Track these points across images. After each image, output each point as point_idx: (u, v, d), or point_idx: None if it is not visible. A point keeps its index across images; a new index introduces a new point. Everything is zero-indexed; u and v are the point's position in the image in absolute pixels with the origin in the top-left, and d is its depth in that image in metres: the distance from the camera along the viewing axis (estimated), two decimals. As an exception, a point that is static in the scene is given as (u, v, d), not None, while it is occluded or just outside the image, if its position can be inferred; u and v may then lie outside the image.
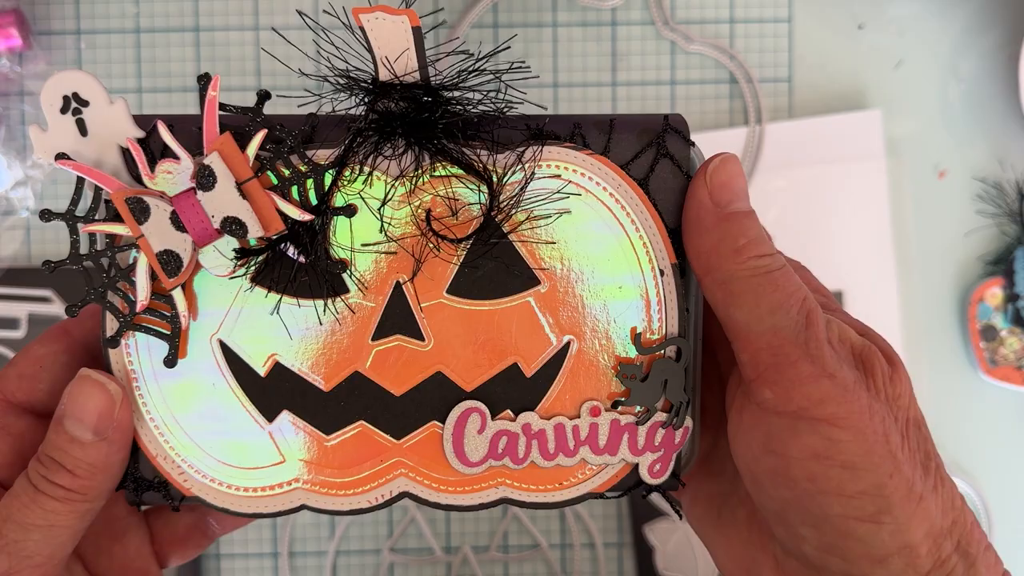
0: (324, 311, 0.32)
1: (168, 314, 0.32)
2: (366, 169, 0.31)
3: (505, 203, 0.31)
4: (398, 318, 0.32)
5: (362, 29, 0.29)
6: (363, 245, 0.32)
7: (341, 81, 0.30)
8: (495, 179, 0.31)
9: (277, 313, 0.32)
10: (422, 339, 0.33)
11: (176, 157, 0.30)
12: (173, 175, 0.30)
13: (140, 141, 0.31)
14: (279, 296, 0.32)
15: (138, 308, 0.31)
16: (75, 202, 0.31)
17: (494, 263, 0.32)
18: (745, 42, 0.63)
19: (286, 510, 0.33)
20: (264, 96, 0.30)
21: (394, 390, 0.33)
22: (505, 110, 0.30)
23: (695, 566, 0.63)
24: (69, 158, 0.30)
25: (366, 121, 0.30)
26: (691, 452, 0.34)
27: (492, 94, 0.30)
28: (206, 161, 0.29)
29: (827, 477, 0.29)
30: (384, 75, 0.29)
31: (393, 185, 0.31)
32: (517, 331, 0.33)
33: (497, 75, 0.30)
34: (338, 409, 0.33)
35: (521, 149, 0.31)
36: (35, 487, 0.31)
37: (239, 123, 0.30)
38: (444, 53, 0.30)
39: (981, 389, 0.64)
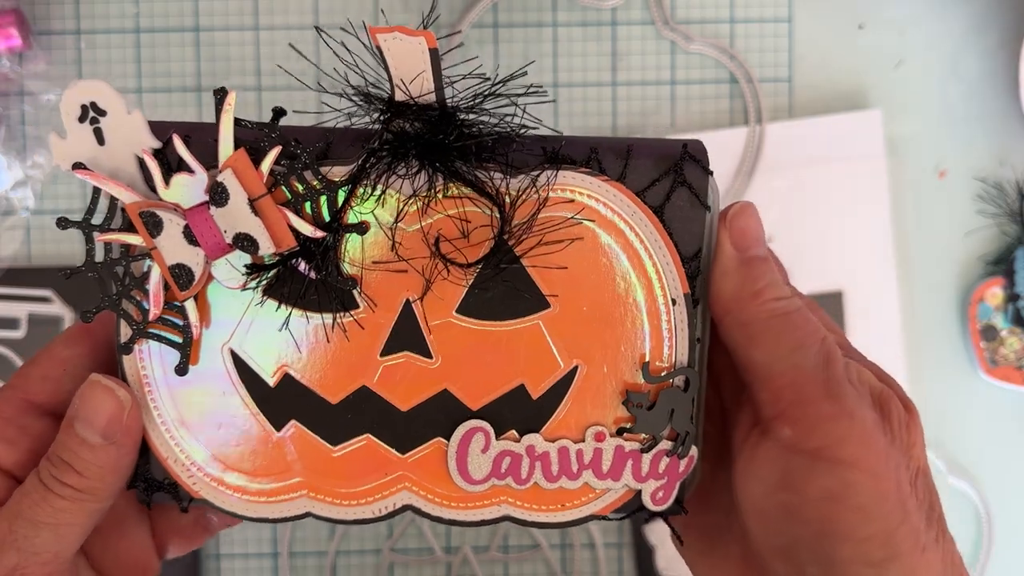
0: (333, 327, 0.32)
1: (180, 323, 0.32)
2: (379, 188, 0.31)
3: (517, 227, 0.31)
4: (407, 335, 0.33)
5: (379, 48, 0.29)
6: (374, 263, 0.32)
7: (357, 99, 0.30)
8: (508, 202, 0.31)
9: (287, 328, 0.32)
10: (430, 357, 0.33)
11: (191, 170, 0.31)
12: (188, 188, 0.31)
13: (156, 152, 0.31)
14: (289, 310, 0.32)
15: (150, 317, 0.32)
16: (91, 211, 0.32)
17: (504, 285, 0.32)
18: (745, 42, 0.63)
19: (291, 516, 0.34)
20: (280, 113, 0.30)
21: (401, 405, 0.33)
22: (520, 132, 0.31)
23: (695, 566, 0.63)
24: (86, 167, 0.31)
25: (380, 140, 0.30)
26: (692, 480, 0.34)
27: (507, 118, 0.30)
28: (219, 178, 0.30)
29: (840, 519, 0.30)
30: (400, 95, 0.30)
31: (406, 204, 0.31)
32: (525, 353, 0.33)
33: (513, 100, 0.30)
34: (345, 422, 0.33)
35: (536, 173, 0.31)
36: (45, 486, 0.32)
37: (254, 138, 0.30)
38: (461, 75, 0.30)
39: (981, 389, 0.64)
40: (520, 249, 0.32)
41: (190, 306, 0.32)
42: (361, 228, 0.31)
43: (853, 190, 0.63)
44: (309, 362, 0.33)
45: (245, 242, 0.30)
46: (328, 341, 0.32)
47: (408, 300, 0.32)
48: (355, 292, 0.32)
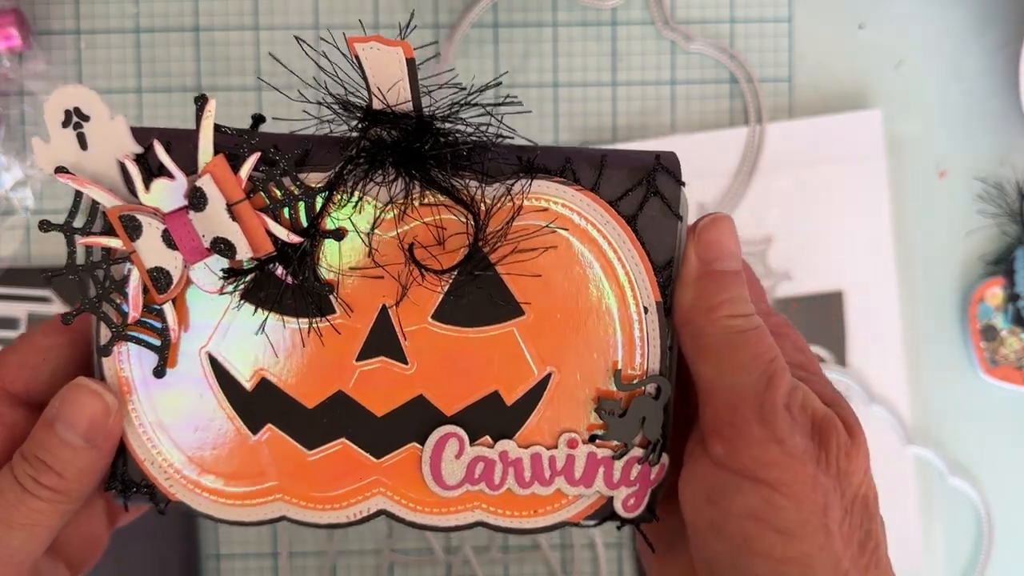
0: (309, 331, 0.33)
1: (159, 326, 0.33)
2: (356, 195, 0.31)
3: (491, 235, 0.32)
4: (383, 341, 0.33)
5: (357, 58, 0.29)
6: (351, 269, 0.32)
7: (336, 107, 0.31)
8: (483, 210, 0.31)
9: (263, 332, 0.33)
10: (405, 362, 0.33)
11: (171, 176, 0.31)
12: (167, 193, 0.31)
13: (138, 157, 0.31)
14: (266, 314, 0.32)
15: (129, 320, 0.32)
16: (72, 214, 0.32)
17: (479, 292, 0.33)
18: (745, 42, 0.63)
19: (266, 520, 0.34)
20: (259, 119, 0.31)
21: (376, 411, 0.33)
22: (496, 141, 0.31)
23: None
24: (68, 171, 0.31)
25: (357, 148, 0.31)
26: (663, 487, 0.34)
27: (483, 127, 0.31)
28: (198, 183, 0.30)
29: (760, 538, 0.30)
30: (377, 104, 0.30)
31: (382, 211, 0.32)
32: (499, 360, 0.33)
33: (487, 110, 0.31)
34: (320, 426, 0.34)
35: (511, 182, 0.32)
36: (22, 486, 0.32)
37: (234, 144, 0.31)
38: (436, 85, 0.31)
39: (981, 389, 0.64)
40: (494, 257, 0.32)
41: (168, 309, 0.32)
42: (338, 234, 0.32)
43: (853, 190, 0.63)
44: (286, 366, 0.33)
45: (223, 246, 0.31)
46: (304, 346, 0.33)
47: (384, 306, 0.33)
48: (332, 297, 0.32)
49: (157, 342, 0.33)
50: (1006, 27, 0.64)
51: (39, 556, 0.33)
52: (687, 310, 0.33)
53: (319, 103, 0.31)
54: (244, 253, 0.31)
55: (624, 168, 0.33)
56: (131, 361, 0.33)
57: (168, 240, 0.31)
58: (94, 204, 0.32)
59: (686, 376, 0.34)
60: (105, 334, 0.33)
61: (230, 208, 0.31)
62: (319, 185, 0.31)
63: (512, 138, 0.31)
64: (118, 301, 0.32)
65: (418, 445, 0.33)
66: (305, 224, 0.31)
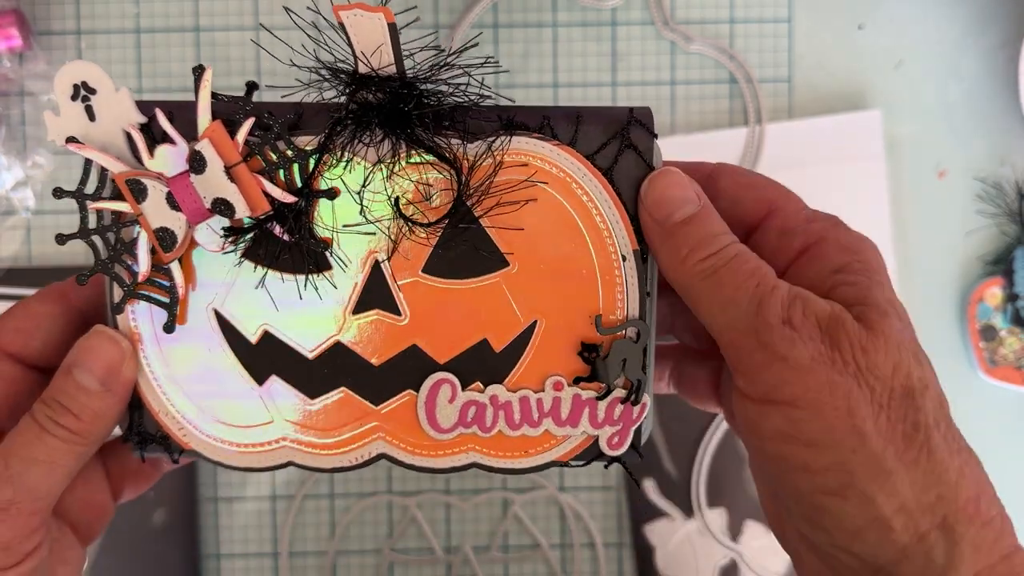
0: (306, 286, 0.35)
1: (167, 284, 0.35)
2: (347, 155, 0.34)
3: (475, 190, 0.34)
4: (377, 294, 0.35)
5: (342, 25, 0.32)
6: (344, 226, 0.35)
7: (324, 73, 0.33)
8: (465, 166, 0.34)
9: (263, 286, 0.35)
10: (399, 314, 0.36)
11: (173, 142, 0.34)
12: (170, 158, 0.34)
13: (142, 127, 0.34)
14: (265, 270, 0.35)
15: (140, 279, 0.35)
16: (84, 181, 0.35)
17: (466, 245, 0.35)
18: (745, 42, 0.64)
19: (274, 465, 0.36)
20: (252, 86, 0.34)
21: (373, 360, 0.36)
22: (478, 102, 0.33)
23: (695, 566, 0.63)
24: (78, 141, 0.34)
25: (346, 111, 0.33)
26: (647, 426, 0.37)
27: (463, 87, 0.33)
28: (197, 147, 0.33)
29: (793, 455, 0.31)
30: (363, 68, 0.33)
31: (371, 171, 0.34)
32: (488, 309, 0.35)
33: (466, 70, 0.33)
34: (322, 376, 0.36)
35: (492, 139, 0.34)
36: (41, 426, 0.34)
37: (231, 111, 0.34)
38: (418, 48, 0.33)
39: (981, 389, 0.64)
40: (479, 210, 0.35)
41: (175, 267, 0.35)
42: (331, 193, 0.34)
43: (853, 190, 0.63)
44: (287, 320, 0.36)
45: (222, 207, 0.33)
46: (303, 300, 0.35)
47: (377, 260, 0.35)
48: (327, 254, 0.35)
49: (166, 299, 0.35)
50: (1006, 27, 0.64)
51: (56, 495, 0.35)
52: (665, 271, 0.35)
53: (309, 69, 0.33)
54: (242, 212, 0.33)
55: (599, 123, 0.35)
56: (141, 319, 0.36)
57: (172, 202, 0.34)
58: (103, 172, 0.35)
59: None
60: (118, 294, 0.35)
61: (228, 170, 0.33)
62: (311, 148, 0.34)
63: (492, 97, 0.34)
64: (128, 262, 0.35)
65: (413, 392, 0.36)
66: (299, 185, 0.34)
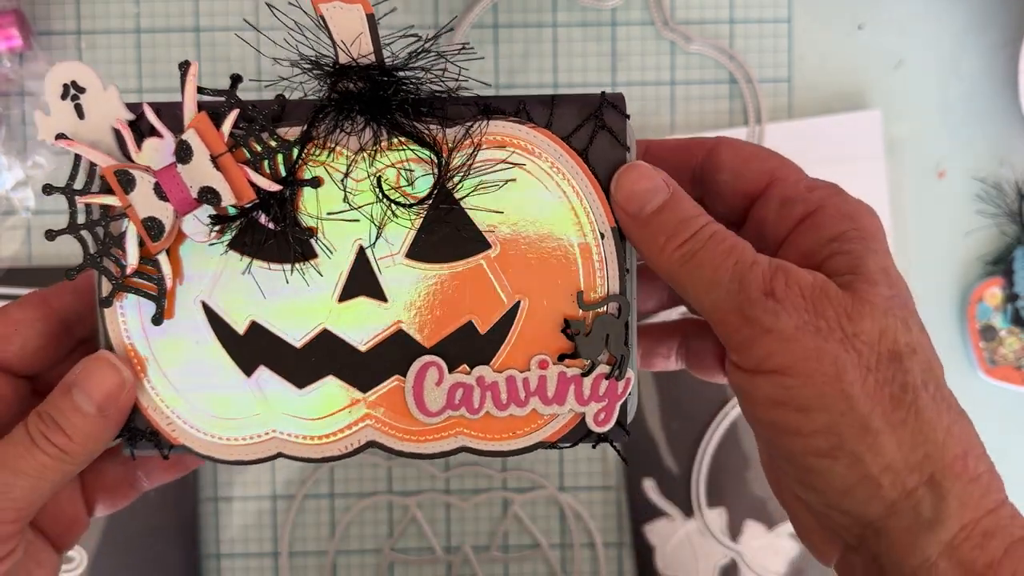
0: (292, 273, 0.36)
1: (155, 277, 0.36)
2: (329, 144, 0.35)
3: (455, 172, 0.35)
4: (362, 280, 0.36)
5: (322, 18, 0.32)
6: (329, 214, 0.35)
7: (306, 65, 0.34)
8: (445, 150, 0.35)
9: (250, 274, 0.36)
10: (384, 299, 0.36)
11: (161, 136, 0.35)
12: (157, 151, 0.35)
13: (131, 123, 0.35)
14: (251, 260, 0.36)
15: (128, 271, 0.35)
16: (73, 177, 0.35)
17: (448, 228, 0.36)
18: (745, 42, 0.64)
19: (263, 458, 0.37)
20: (237, 79, 0.34)
21: (360, 346, 0.36)
22: (455, 89, 0.34)
23: (695, 566, 0.63)
24: (68, 138, 0.35)
25: (329, 100, 0.34)
26: (632, 403, 0.37)
27: (441, 72, 0.34)
28: (184, 137, 0.34)
29: (786, 421, 0.32)
30: (343, 58, 0.34)
31: (354, 159, 0.35)
32: (471, 292, 0.36)
33: (443, 56, 0.34)
34: (309, 364, 0.36)
35: (470, 123, 0.35)
36: (32, 439, 0.35)
37: (216, 104, 0.34)
38: (397, 35, 0.34)
39: (980, 389, 0.64)
40: (459, 193, 0.35)
41: (163, 259, 0.36)
42: (315, 182, 0.35)
43: (852, 190, 0.63)
44: (274, 310, 0.36)
45: (209, 195, 0.34)
46: (289, 288, 0.36)
47: (362, 247, 0.36)
48: (313, 241, 0.36)
49: (154, 292, 0.36)
50: (1006, 27, 0.64)
51: (37, 507, 0.36)
52: (646, 261, 0.36)
53: (291, 64, 0.34)
54: (228, 200, 0.34)
55: (574, 106, 0.36)
56: (129, 313, 0.36)
57: (159, 192, 0.34)
58: (92, 168, 0.35)
59: None
60: (106, 288, 0.36)
61: (214, 160, 0.34)
62: (295, 138, 0.35)
63: (467, 81, 0.34)
64: (117, 256, 0.36)
65: (401, 377, 0.36)
66: (284, 174, 0.35)
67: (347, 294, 0.36)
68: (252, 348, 0.36)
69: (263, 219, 0.35)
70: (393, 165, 0.35)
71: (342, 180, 0.35)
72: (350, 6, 0.32)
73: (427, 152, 0.35)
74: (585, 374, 0.36)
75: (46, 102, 0.34)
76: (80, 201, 0.35)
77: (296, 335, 0.36)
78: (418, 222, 0.36)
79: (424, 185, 0.35)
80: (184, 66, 0.34)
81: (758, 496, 0.64)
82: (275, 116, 0.35)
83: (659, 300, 0.42)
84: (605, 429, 0.36)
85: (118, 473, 0.40)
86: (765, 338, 0.32)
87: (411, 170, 0.35)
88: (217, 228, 0.35)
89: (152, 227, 0.34)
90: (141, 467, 0.41)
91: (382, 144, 0.35)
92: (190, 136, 0.34)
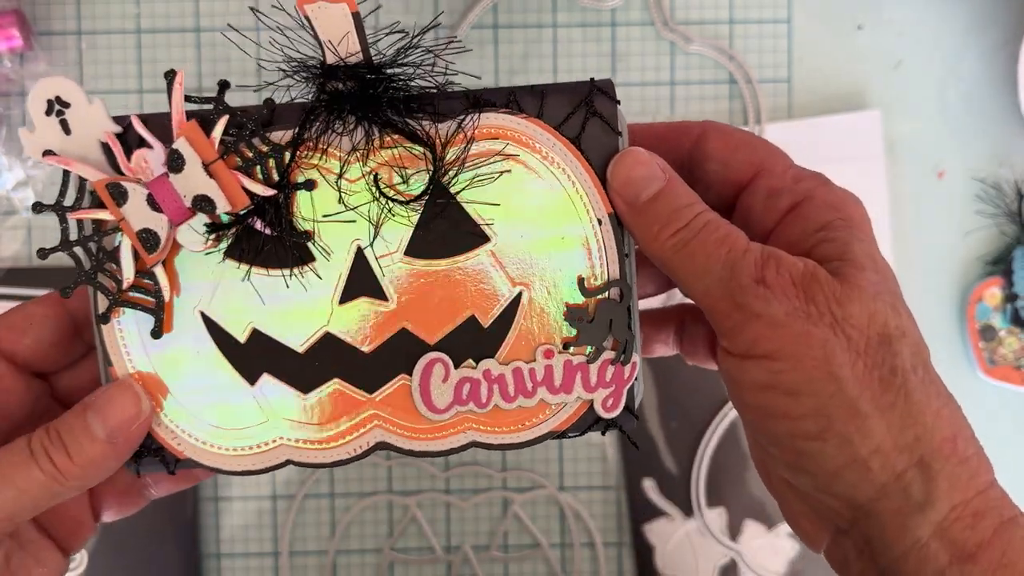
0: (291, 278, 0.35)
1: (152, 290, 0.35)
2: (321, 145, 0.34)
3: (450, 166, 0.35)
4: (362, 281, 0.36)
5: (307, 19, 0.32)
6: (324, 216, 0.35)
7: (293, 67, 0.34)
8: (438, 144, 0.35)
9: (248, 280, 0.35)
10: (385, 299, 0.36)
11: (150, 146, 0.34)
12: (148, 162, 0.34)
13: (118, 136, 0.34)
14: (249, 267, 0.35)
15: (124, 285, 0.35)
16: (63, 193, 0.35)
17: (446, 224, 0.35)
18: (744, 43, 0.64)
19: (272, 466, 0.36)
20: (225, 85, 0.34)
21: (364, 348, 0.36)
22: (444, 84, 0.34)
23: (695, 566, 0.63)
24: (55, 155, 0.34)
25: (319, 100, 0.34)
26: (639, 387, 0.37)
27: (429, 68, 0.34)
28: (175, 146, 0.34)
29: (774, 405, 0.33)
30: (331, 58, 0.33)
31: (347, 159, 0.35)
32: (472, 286, 0.36)
33: (431, 51, 0.34)
34: (313, 369, 0.36)
35: (461, 117, 0.35)
36: (31, 452, 0.34)
37: (204, 113, 0.34)
38: (384, 33, 0.34)
39: (980, 389, 0.64)
40: (455, 187, 0.35)
41: (159, 272, 0.35)
42: (309, 185, 0.35)
43: (853, 190, 0.63)
44: (274, 316, 0.36)
45: (203, 203, 0.34)
46: (289, 293, 0.36)
47: (360, 248, 0.35)
48: (310, 245, 0.35)
49: (152, 305, 0.35)
50: (1005, 27, 0.64)
51: (22, 520, 0.35)
52: (641, 247, 0.36)
53: (279, 68, 0.34)
54: (223, 207, 0.34)
55: (564, 94, 0.36)
56: (127, 327, 0.36)
57: (153, 204, 0.34)
58: (82, 182, 0.35)
59: None
60: (103, 304, 0.35)
61: (206, 167, 0.34)
62: (286, 141, 0.34)
63: (456, 75, 0.34)
64: (111, 271, 0.35)
65: (407, 376, 0.36)
66: (277, 179, 0.34)
67: (348, 295, 0.36)
68: (254, 356, 0.36)
69: (259, 225, 0.34)
70: (387, 163, 0.35)
71: (336, 181, 0.35)
72: (335, 5, 0.31)
73: (420, 148, 0.35)
74: (591, 360, 0.36)
75: (30, 118, 0.34)
76: (72, 217, 0.35)
77: (298, 340, 0.36)
78: (415, 219, 0.35)
79: (419, 182, 0.35)
80: (170, 75, 0.34)
81: (758, 496, 0.64)
82: (265, 121, 0.34)
83: (658, 284, 0.42)
84: (614, 414, 0.36)
85: (126, 480, 0.40)
86: (755, 323, 0.32)
87: (404, 167, 0.35)
88: (213, 236, 0.34)
89: (147, 239, 0.34)
90: (150, 475, 0.40)
91: (374, 143, 0.34)
92: (181, 145, 0.33)
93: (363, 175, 0.35)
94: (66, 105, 0.34)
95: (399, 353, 0.36)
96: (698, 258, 0.34)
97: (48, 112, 0.34)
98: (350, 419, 0.36)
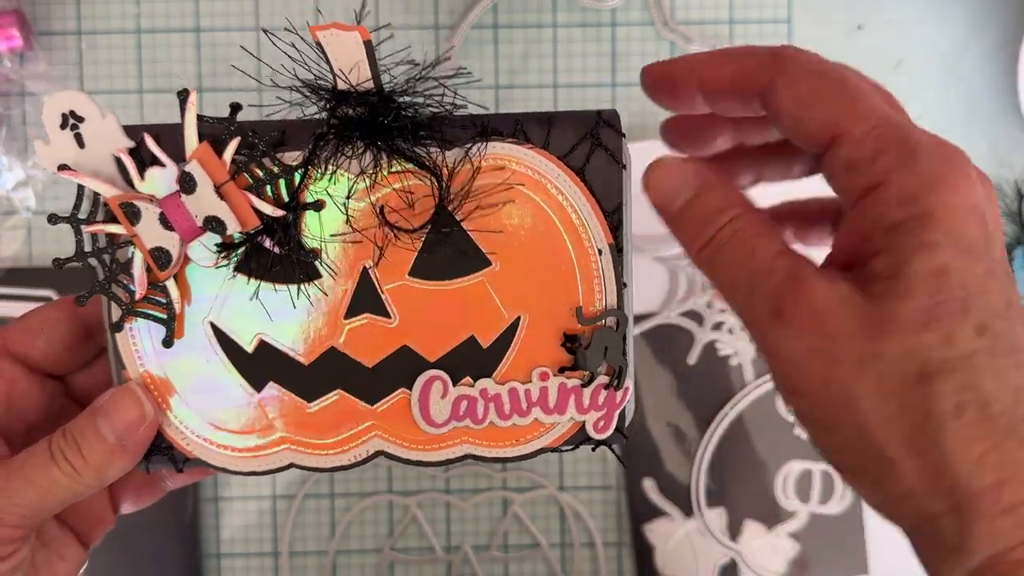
0: (298, 295, 0.37)
1: (164, 301, 0.37)
2: (330, 168, 0.36)
3: (455, 195, 0.36)
4: (366, 299, 0.37)
5: (319, 44, 0.33)
6: (332, 236, 0.36)
7: (305, 92, 0.34)
8: (445, 173, 0.36)
9: (257, 298, 0.37)
10: (389, 317, 0.37)
11: (162, 164, 0.35)
12: (160, 180, 0.35)
13: (131, 151, 0.36)
14: (258, 283, 0.37)
15: (137, 297, 0.36)
16: (77, 206, 0.36)
17: (449, 248, 0.37)
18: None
19: (276, 468, 0.38)
20: (236, 107, 0.35)
21: (366, 362, 0.37)
22: (452, 111, 0.35)
23: (695, 566, 0.63)
24: (70, 168, 0.35)
25: (328, 126, 0.35)
26: (630, 410, 0.38)
27: (439, 97, 0.35)
28: (187, 168, 0.35)
29: (813, 435, 0.32)
30: (342, 84, 0.34)
31: (355, 182, 0.36)
32: (473, 308, 0.37)
33: (441, 81, 0.35)
34: (317, 380, 0.38)
35: (468, 145, 0.36)
36: (51, 454, 0.36)
37: (216, 131, 0.35)
38: (394, 63, 0.35)
39: (980, 389, 0.63)
40: (460, 214, 0.36)
41: (171, 285, 0.37)
42: (317, 205, 0.36)
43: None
44: (282, 329, 0.37)
45: (214, 224, 0.35)
46: (296, 309, 0.37)
47: (365, 267, 0.37)
48: (317, 263, 0.37)
49: (163, 315, 0.37)
50: (1006, 27, 0.64)
51: (46, 516, 0.37)
52: (692, 259, 0.36)
53: (290, 88, 0.35)
54: (234, 228, 0.35)
55: (570, 125, 0.37)
56: (141, 336, 0.37)
57: (165, 222, 0.35)
58: (96, 196, 0.36)
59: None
60: (116, 313, 0.37)
61: (218, 189, 0.35)
62: (296, 163, 0.36)
63: (465, 106, 0.35)
64: (125, 282, 0.37)
65: (407, 390, 0.37)
66: (287, 199, 0.36)
67: (352, 312, 0.37)
68: (261, 366, 0.37)
69: (268, 243, 0.36)
70: (394, 188, 0.36)
71: (344, 203, 0.36)
72: (347, 33, 0.32)
73: (427, 176, 0.36)
74: (585, 385, 0.37)
75: (45, 131, 0.35)
76: (86, 230, 0.36)
77: (304, 352, 0.37)
78: (419, 242, 0.36)
79: (424, 206, 0.36)
80: (183, 94, 0.35)
81: (758, 496, 0.64)
82: (276, 142, 0.35)
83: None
84: (604, 436, 0.38)
85: (143, 474, 0.41)
86: (775, 360, 0.31)
87: (411, 192, 0.36)
88: (223, 255, 0.36)
89: (159, 257, 0.35)
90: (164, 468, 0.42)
91: (382, 167, 0.35)
92: (193, 167, 0.34)
93: (370, 199, 0.36)
94: (80, 119, 0.35)
95: (400, 369, 0.37)
96: (722, 276, 0.33)
97: (63, 126, 0.35)
98: (351, 428, 0.38)
